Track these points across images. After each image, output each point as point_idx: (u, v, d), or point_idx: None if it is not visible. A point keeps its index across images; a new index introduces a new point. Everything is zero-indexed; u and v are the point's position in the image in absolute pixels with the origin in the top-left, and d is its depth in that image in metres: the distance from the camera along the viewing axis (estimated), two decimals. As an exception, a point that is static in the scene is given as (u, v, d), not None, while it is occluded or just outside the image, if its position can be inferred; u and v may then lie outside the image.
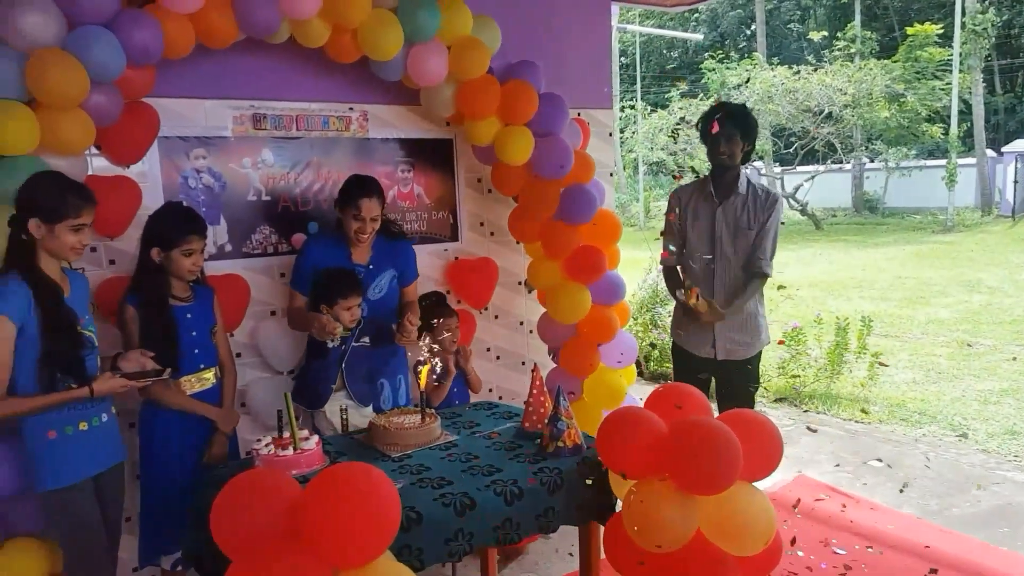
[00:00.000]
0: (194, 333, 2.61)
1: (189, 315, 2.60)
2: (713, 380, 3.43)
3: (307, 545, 1.58)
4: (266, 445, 2.33)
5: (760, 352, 3.38)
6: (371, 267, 3.01)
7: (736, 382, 3.36)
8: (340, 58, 3.00)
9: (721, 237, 3.24)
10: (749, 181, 3.27)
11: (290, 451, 2.30)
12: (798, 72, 17.08)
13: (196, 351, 2.61)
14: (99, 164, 2.82)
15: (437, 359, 2.70)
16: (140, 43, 2.47)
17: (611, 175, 4.14)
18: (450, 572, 3.12)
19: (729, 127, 3.16)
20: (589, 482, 2.35)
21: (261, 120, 3.15)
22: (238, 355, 3.04)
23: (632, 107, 19.60)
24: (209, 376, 2.67)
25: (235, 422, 2.75)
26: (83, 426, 2.24)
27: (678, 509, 2.04)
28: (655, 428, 2.13)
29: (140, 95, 2.73)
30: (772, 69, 17.74)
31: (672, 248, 3.36)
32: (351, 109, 3.35)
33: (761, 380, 3.56)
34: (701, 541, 2.10)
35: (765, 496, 2.15)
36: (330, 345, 2.83)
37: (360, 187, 2.86)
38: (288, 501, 1.66)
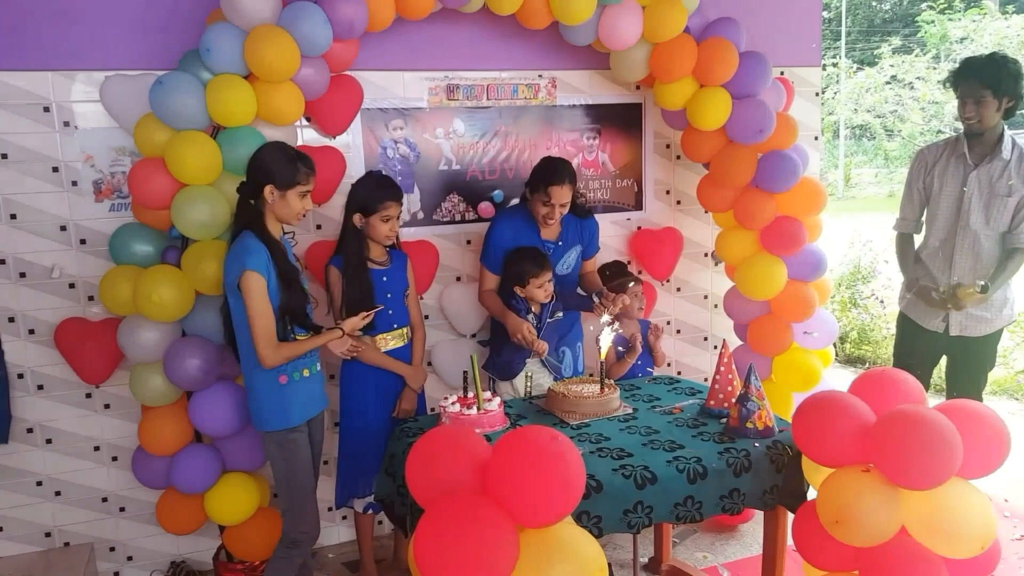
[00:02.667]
0: (389, 295, 2.75)
1: (385, 278, 2.74)
2: (944, 359, 3.14)
3: (494, 501, 1.63)
4: (452, 403, 2.43)
5: (1001, 330, 3.04)
6: (560, 244, 3.02)
7: (969, 362, 3.05)
8: (531, 24, 2.99)
9: (970, 205, 2.91)
10: (1015, 144, 2.89)
11: (474, 411, 2.38)
12: (1040, 20, 14.74)
13: (390, 312, 2.75)
14: (308, 135, 3.04)
15: (618, 324, 2.66)
16: (345, 17, 2.59)
17: (815, 139, 3.82)
18: (630, 543, 3.10)
19: (975, 86, 2.80)
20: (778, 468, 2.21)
21: (454, 90, 3.23)
22: (426, 317, 3.17)
23: (835, 65, 18.05)
24: (401, 335, 2.81)
25: (423, 379, 2.88)
26: (306, 373, 2.43)
27: (883, 503, 1.88)
28: (860, 415, 1.96)
29: (344, 68, 2.88)
30: (1007, 18, 15.46)
31: (907, 215, 3.15)
32: (540, 76, 3.34)
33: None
34: (906, 538, 1.93)
35: (984, 495, 1.93)
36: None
37: (552, 174, 2.83)
38: (479, 458, 1.72)
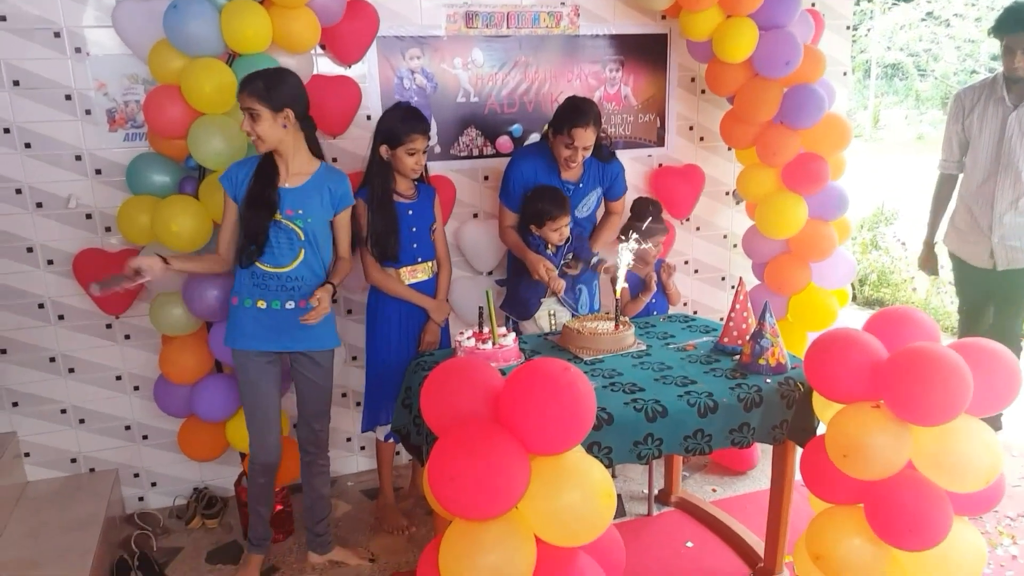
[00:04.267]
0: (414, 229, 2.74)
1: (411, 211, 2.73)
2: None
3: (507, 429, 1.66)
4: (467, 338, 2.45)
5: None
6: (580, 185, 2.98)
7: (1015, 295, 3.15)
8: (553, -51, 2.89)
9: (1012, 145, 2.97)
10: None
11: (489, 345, 2.40)
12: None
13: (415, 245, 2.75)
14: (323, 65, 2.99)
15: (633, 263, 2.65)
16: (365, -60, 2.52)
17: (844, 74, 3.71)
18: (641, 476, 3.16)
19: (1020, 34, 2.85)
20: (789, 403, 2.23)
21: (473, 18, 3.15)
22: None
23: (870, 0, 17.38)
24: (426, 269, 2.81)
25: (447, 313, 2.89)
26: (261, 304, 2.40)
27: (891, 438, 1.90)
28: (873, 351, 1.95)
29: (360, -6, 2.81)
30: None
31: (948, 156, 3.23)
32: (563, 3, 3.24)
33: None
34: (911, 472, 1.96)
35: (991, 432, 1.94)
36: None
37: (577, 115, 2.76)
38: (491, 388, 1.74)
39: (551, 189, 2.86)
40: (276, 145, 2.33)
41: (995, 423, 3.32)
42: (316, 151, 2.46)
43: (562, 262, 2.89)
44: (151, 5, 2.59)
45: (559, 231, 2.82)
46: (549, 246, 2.88)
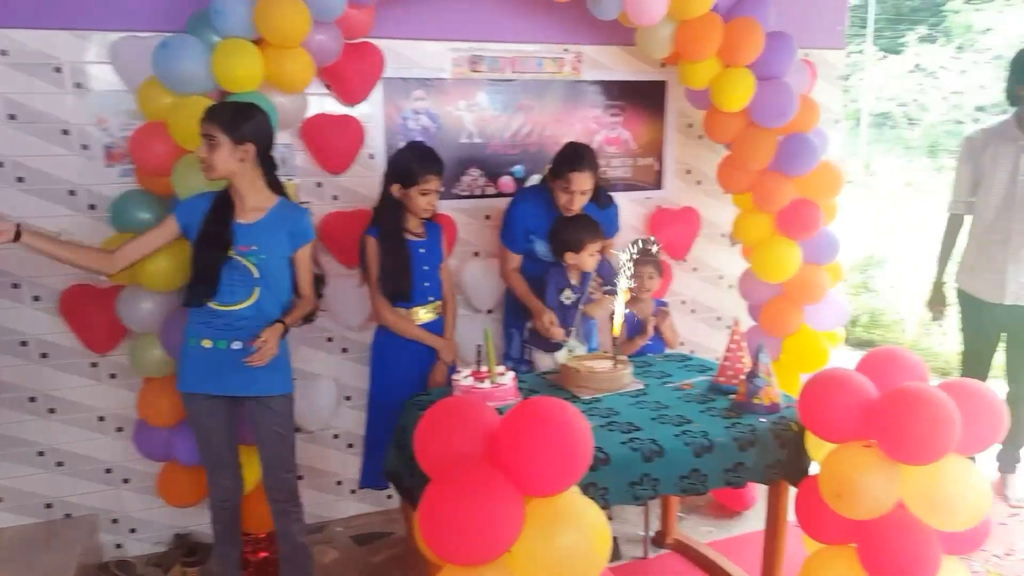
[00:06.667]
0: (426, 267, 2.74)
1: (422, 250, 2.73)
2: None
3: (501, 471, 1.64)
4: (465, 377, 2.45)
5: None
6: None
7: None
8: (557, -3, 2.99)
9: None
10: None
11: (487, 384, 2.41)
12: (1066, 15, 14.43)
13: (427, 284, 2.74)
14: (328, 104, 3.02)
15: (628, 308, 2.69)
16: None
17: (836, 122, 3.81)
18: (642, 516, 3.15)
19: None
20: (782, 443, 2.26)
21: (478, 62, 3.24)
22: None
23: (860, 52, 17.78)
24: (435, 308, 2.79)
25: (455, 352, 2.88)
26: (206, 344, 2.30)
27: (882, 477, 1.93)
28: (864, 391, 2.00)
29: (360, 35, 2.84)
30: (1031, 10, 15.12)
31: (959, 196, 3.33)
32: (566, 50, 3.35)
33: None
34: (902, 512, 1.99)
35: (979, 471, 1.98)
36: (567, 302, 2.90)
37: (573, 160, 2.80)
38: (486, 428, 1.73)
39: (582, 216, 2.87)
40: (226, 176, 2.26)
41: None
42: (277, 188, 2.39)
43: (594, 292, 2.91)
44: (149, 42, 2.54)
45: (595, 255, 2.85)
46: (572, 279, 2.90)
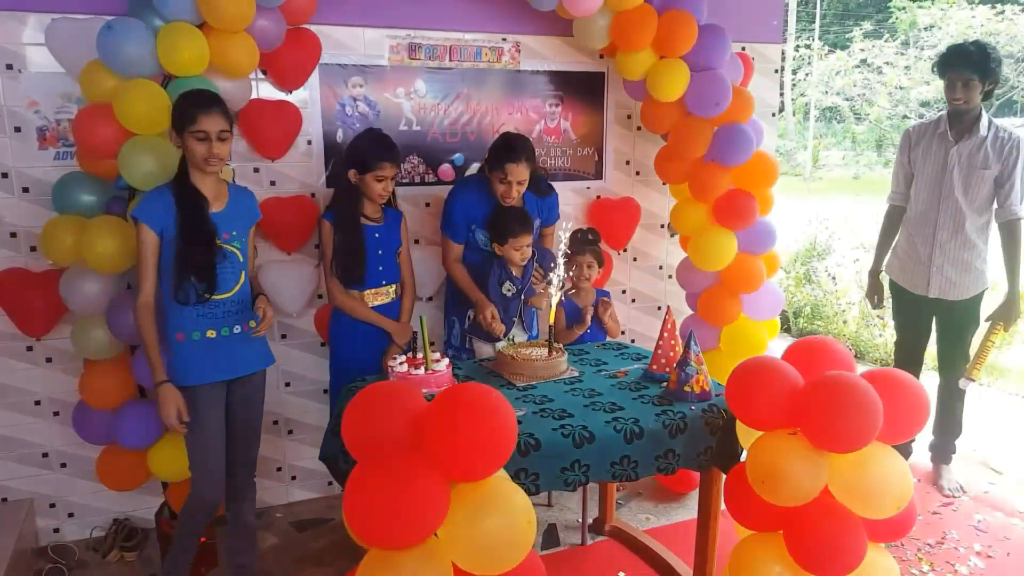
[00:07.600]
0: (380, 252, 2.77)
1: (377, 234, 2.76)
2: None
3: (426, 456, 1.65)
4: (400, 363, 2.45)
5: (981, 294, 3.30)
6: None
7: (949, 326, 3.34)
8: (494, -14, 2.97)
9: (952, 178, 3.18)
10: (991, 122, 3.16)
11: (421, 371, 2.40)
12: (1002, 12, 14.91)
13: (380, 268, 2.78)
14: (264, 89, 2.99)
15: (563, 294, 2.70)
16: (303, -32, 2.56)
17: (772, 115, 3.87)
18: (576, 505, 3.17)
19: (964, 70, 3.07)
20: (712, 430, 2.29)
21: (416, 50, 3.21)
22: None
23: (808, 47, 18.17)
24: (390, 292, 2.84)
25: (408, 336, 2.87)
26: (210, 333, 2.34)
27: (807, 464, 1.96)
28: (790, 380, 2.02)
29: (302, 20, 2.85)
30: (972, 8, 15.62)
31: (896, 188, 3.44)
32: (504, 40, 3.33)
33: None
34: (828, 499, 2.02)
35: (903, 459, 2.03)
36: (507, 294, 2.91)
37: (509, 151, 2.81)
38: (413, 413, 1.74)
39: (518, 209, 2.89)
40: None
41: (905, 450, 3.45)
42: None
43: (537, 281, 2.94)
44: (85, 24, 2.58)
45: (521, 251, 2.86)
46: (514, 270, 2.90)
